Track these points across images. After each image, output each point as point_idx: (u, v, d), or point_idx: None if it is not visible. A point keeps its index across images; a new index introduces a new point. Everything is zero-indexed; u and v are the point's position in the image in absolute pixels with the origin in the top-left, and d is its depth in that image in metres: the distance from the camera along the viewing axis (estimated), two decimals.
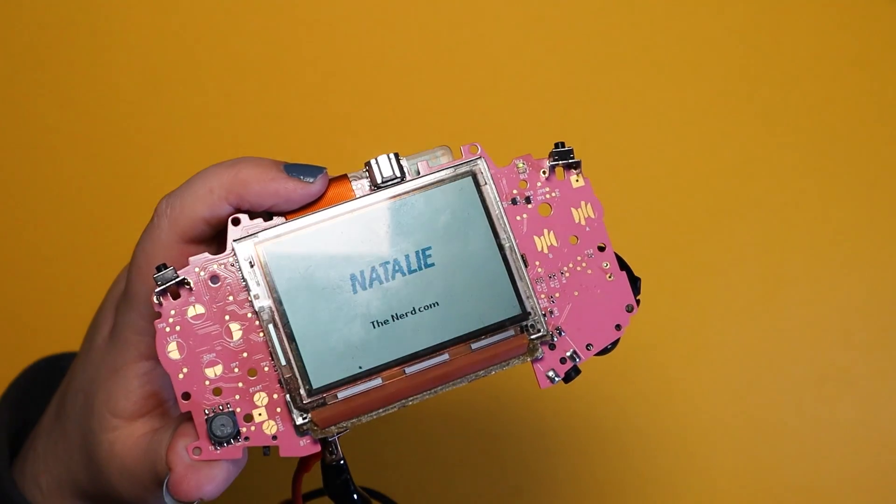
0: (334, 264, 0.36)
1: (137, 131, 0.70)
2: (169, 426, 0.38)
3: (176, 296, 0.35)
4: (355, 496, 0.38)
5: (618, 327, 0.38)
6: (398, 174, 0.37)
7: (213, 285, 0.36)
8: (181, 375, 0.35)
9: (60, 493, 0.42)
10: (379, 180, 0.37)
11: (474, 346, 0.36)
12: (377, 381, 0.36)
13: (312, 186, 0.36)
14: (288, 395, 0.35)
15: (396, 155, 0.37)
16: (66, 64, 0.70)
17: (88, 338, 0.41)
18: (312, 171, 0.36)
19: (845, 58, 0.68)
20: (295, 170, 0.36)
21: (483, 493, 0.65)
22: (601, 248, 0.38)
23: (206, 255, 0.36)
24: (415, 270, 0.36)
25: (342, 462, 0.38)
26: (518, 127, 0.69)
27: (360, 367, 0.36)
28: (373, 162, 0.37)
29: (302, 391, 0.35)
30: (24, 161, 0.70)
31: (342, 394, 0.36)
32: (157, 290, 0.35)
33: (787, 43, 0.69)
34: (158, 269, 0.35)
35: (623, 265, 0.38)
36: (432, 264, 0.37)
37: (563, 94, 0.69)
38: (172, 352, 0.35)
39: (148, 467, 0.37)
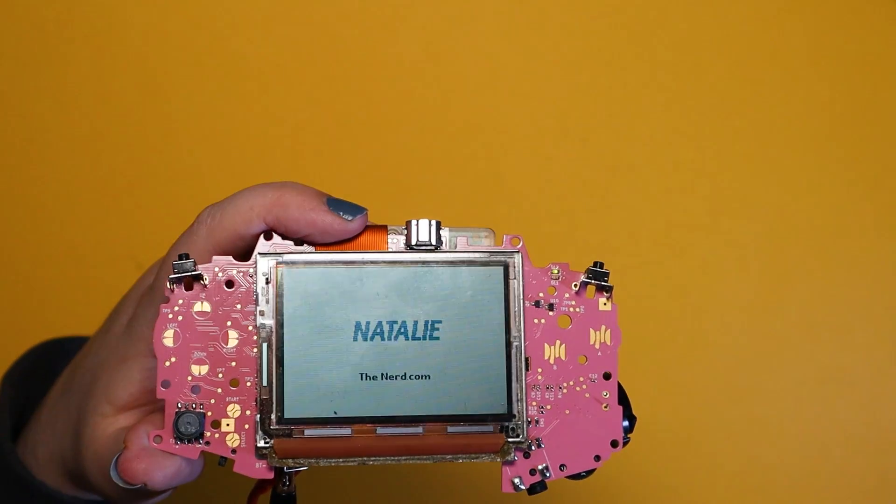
0: (344, 307, 0.36)
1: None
2: None
3: (189, 288, 0.36)
4: None
5: (597, 458, 0.37)
6: (433, 242, 0.37)
7: (226, 289, 0.36)
8: (168, 363, 0.36)
9: (52, 465, 0.43)
10: (413, 242, 0.37)
11: (450, 429, 0.36)
12: (346, 431, 0.36)
13: (350, 224, 0.37)
14: (259, 416, 0.36)
15: (438, 223, 0.37)
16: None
17: (108, 322, 0.42)
18: (353, 209, 0.37)
19: (845, 58, 0.67)
20: (336, 205, 0.37)
21: None
22: (606, 377, 0.37)
23: (230, 258, 0.37)
24: (418, 338, 0.37)
25: (293, 494, 0.38)
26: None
27: (335, 413, 0.36)
28: (413, 223, 0.37)
29: (273, 416, 0.36)
30: (23, 161, 0.71)
31: (309, 432, 0.36)
32: (171, 277, 0.36)
33: (787, 43, 0.68)
34: (180, 257, 0.36)
35: (623, 400, 0.38)
36: (437, 338, 0.37)
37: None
38: (167, 338, 0.36)
39: (113, 456, 0.38)
